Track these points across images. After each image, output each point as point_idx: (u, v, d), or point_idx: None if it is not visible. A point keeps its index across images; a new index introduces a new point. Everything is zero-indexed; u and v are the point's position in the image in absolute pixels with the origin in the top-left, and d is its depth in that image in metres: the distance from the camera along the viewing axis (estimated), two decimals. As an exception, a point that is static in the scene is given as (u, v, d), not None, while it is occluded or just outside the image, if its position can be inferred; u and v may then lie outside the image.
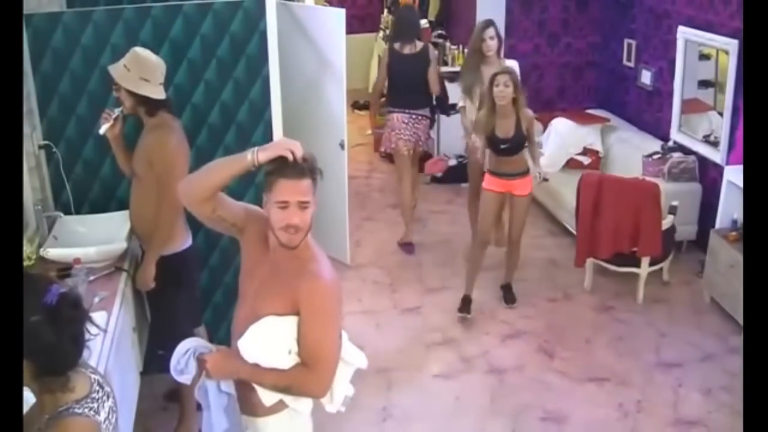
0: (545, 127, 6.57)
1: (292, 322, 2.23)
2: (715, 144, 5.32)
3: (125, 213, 3.51)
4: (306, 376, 2.23)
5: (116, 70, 3.19)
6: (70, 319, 1.68)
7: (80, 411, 1.68)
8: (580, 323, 4.75)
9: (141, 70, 3.18)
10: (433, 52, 5.71)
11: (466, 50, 5.99)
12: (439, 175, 6.96)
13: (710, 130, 5.45)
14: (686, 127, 5.75)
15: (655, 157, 5.57)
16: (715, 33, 5.19)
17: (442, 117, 6.86)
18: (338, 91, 5.08)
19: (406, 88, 5.54)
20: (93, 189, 3.81)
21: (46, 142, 3.65)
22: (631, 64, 6.56)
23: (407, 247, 5.75)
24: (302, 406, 2.36)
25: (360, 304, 4.96)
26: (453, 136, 6.35)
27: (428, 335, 4.64)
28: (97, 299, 3.00)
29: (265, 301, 2.26)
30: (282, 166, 2.18)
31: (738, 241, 4.48)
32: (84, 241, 3.39)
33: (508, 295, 4.98)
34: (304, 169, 2.19)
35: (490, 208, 4.72)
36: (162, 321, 3.52)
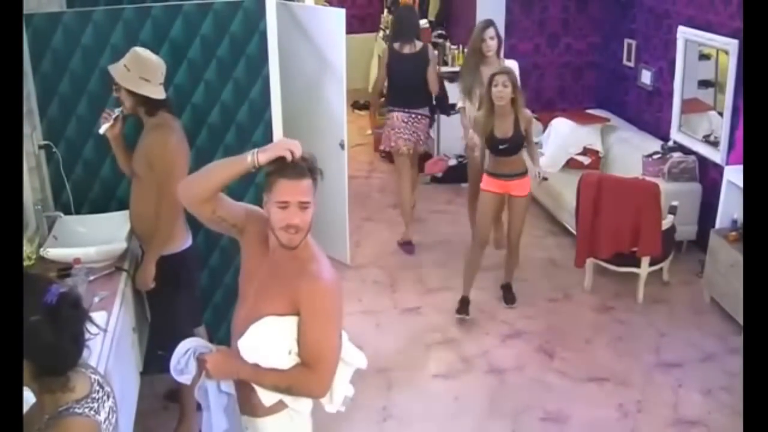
0: (545, 127, 6.58)
1: (292, 322, 2.23)
2: (715, 144, 5.32)
3: (125, 213, 3.51)
4: (306, 377, 2.23)
5: (116, 70, 3.19)
6: (70, 318, 1.68)
7: (80, 411, 1.68)
8: (580, 323, 4.75)
9: (141, 70, 3.18)
10: (433, 52, 5.72)
11: (465, 50, 5.99)
12: (439, 175, 6.96)
13: (710, 130, 5.45)
14: (686, 127, 5.75)
15: (655, 157, 5.57)
16: (715, 33, 5.19)
17: (443, 117, 6.87)
18: (338, 91, 5.08)
19: (406, 87, 5.55)
20: (93, 189, 3.81)
21: (46, 142, 3.65)
22: (631, 64, 6.56)
23: (407, 246, 5.75)
24: (302, 406, 2.36)
25: (360, 304, 4.96)
26: (453, 136, 6.36)
27: (428, 335, 4.64)
28: (97, 299, 3.00)
29: (265, 301, 2.26)
30: (282, 167, 2.18)
31: (738, 241, 4.48)
32: (84, 241, 3.39)
33: (508, 295, 4.98)
34: (305, 169, 2.19)
35: (488, 209, 4.71)
36: (162, 321, 3.52)
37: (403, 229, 5.80)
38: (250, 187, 3.71)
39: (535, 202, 6.38)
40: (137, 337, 3.40)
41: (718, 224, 4.75)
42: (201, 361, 2.33)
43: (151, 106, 3.23)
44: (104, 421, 1.73)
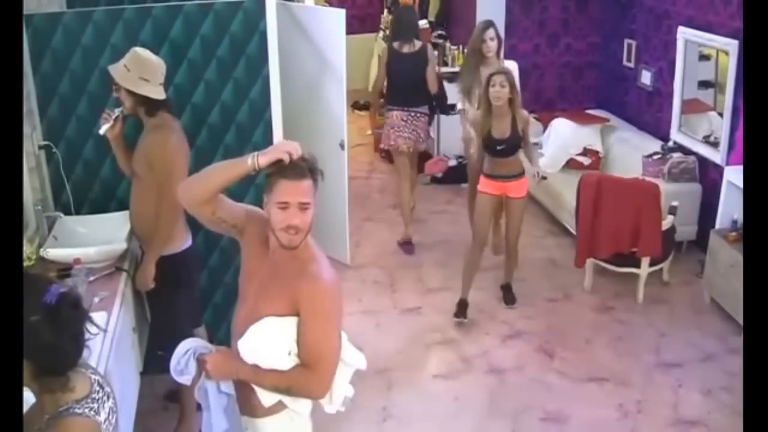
0: (545, 127, 6.58)
1: (291, 323, 2.23)
2: (715, 144, 5.32)
3: (125, 213, 3.50)
4: (306, 377, 2.23)
5: (116, 70, 3.19)
6: (70, 318, 1.68)
7: (80, 411, 1.68)
8: (580, 323, 4.75)
9: (141, 70, 3.17)
10: (432, 52, 5.74)
11: (465, 50, 5.99)
12: (439, 175, 6.96)
13: (710, 131, 5.45)
14: (686, 128, 5.75)
15: (655, 157, 5.57)
16: (715, 33, 5.19)
17: (443, 117, 6.89)
18: (338, 91, 5.08)
19: (405, 86, 5.58)
20: (93, 189, 3.81)
21: (46, 142, 3.65)
22: (631, 65, 6.56)
23: (407, 246, 5.75)
24: (301, 407, 2.36)
25: (360, 304, 4.96)
26: (453, 136, 6.36)
27: (428, 335, 4.64)
28: (97, 299, 3.00)
29: (265, 301, 2.26)
30: (282, 167, 2.18)
31: (738, 242, 4.48)
32: (84, 242, 3.39)
33: (507, 296, 4.98)
34: (305, 169, 2.19)
35: (485, 210, 4.69)
36: (162, 321, 3.52)
37: (402, 230, 5.80)
38: (250, 188, 3.71)
39: (535, 202, 6.39)
40: (137, 338, 3.40)
41: (718, 224, 4.75)
42: (201, 362, 2.33)
43: (151, 106, 3.23)
44: (104, 422, 1.73)
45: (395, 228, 5.99)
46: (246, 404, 2.35)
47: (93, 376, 1.78)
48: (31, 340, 1.60)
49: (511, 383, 4.17)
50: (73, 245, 3.33)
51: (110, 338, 2.77)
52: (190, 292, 3.57)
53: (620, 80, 6.81)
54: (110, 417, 1.76)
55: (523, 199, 4.68)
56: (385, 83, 5.79)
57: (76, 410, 1.68)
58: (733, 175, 4.61)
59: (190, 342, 2.42)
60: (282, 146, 2.22)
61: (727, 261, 4.53)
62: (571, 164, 6.20)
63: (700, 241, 5.31)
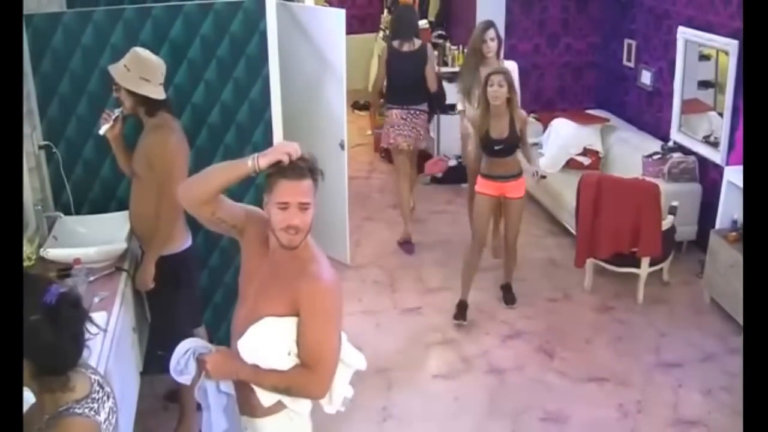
0: (545, 127, 6.58)
1: (291, 323, 2.23)
2: (715, 144, 5.32)
3: (125, 213, 3.51)
4: (305, 378, 2.23)
5: (116, 70, 3.19)
6: (70, 318, 1.68)
7: (80, 411, 1.68)
8: (580, 323, 4.75)
9: (141, 70, 3.18)
10: (431, 51, 5.78)
11: (465, 50, 6.00)
12: (439, 175, 6.96)
13: (710, 131, 5.45)
14: (686, 128, 5.75)
15: (655, 157, 5.57)
16: (715, 33, 5.19)
17: (443, 117, 6.90)
18: (338, 91, 5.08)
19: (405, 85, 5.60)
20: (93, 189, 3.81)
21: (46, 142, 3.65)
22: (631, 65, 6.56)
23: (407, 246, 5.75)
24: (301, 407, 2.36)
25: (360, 304, 4.96)
26: (453, 136, 6.36)
27: (428, 335, 4.64)
28: (97, 299, 3.01)
29: (265, 302, 2.26)
30: (283, 168, 2.18)
31: (738, 241, 4.48)
32: (84, 242, 3.39)
33: (507, 296, 4.97)
34: (305, 169, 2.19)
35: (483, 211, 4.68)
36: (162, 321, 3.52)
37: (402, 229, 5.80)
38: (250, 188, 3.71)
39: (535, 202, 6.39)
40: (137, 337, 3.40)
41: (718, 224, 4.75)
42: (201, 362, 2.33)
43: (151, 106, 3.23)
44: (104, 422, 1.73)
45: (395, 228, 5.99)
46: (246, 404, 2.35)
47: (93, 376, 1.78)
48: (31, 340, 1.60)
49: (511, 383, 4.17)
50: (73, 245, 3.33)
51: (110, 338, 2.77)
52: (190, 292, 3.57)
53: (620, 80, 6.81)
54: (110, 417, 1.77)
55: (521, 199, 4.66)
56: (385, 82, 5.80)
57: (76, 410, 1.68)
58: (733, 175, 4.61)
59: (190, 342, 2.42)
60: (282, 147, 2.22)
61: (727, 261, 4.53)
62: (571, 164, 6.20)
63: (700, 241, 5.31)
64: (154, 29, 3.64)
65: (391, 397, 4.05)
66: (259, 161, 2.18)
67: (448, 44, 7.47)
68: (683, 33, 5.60)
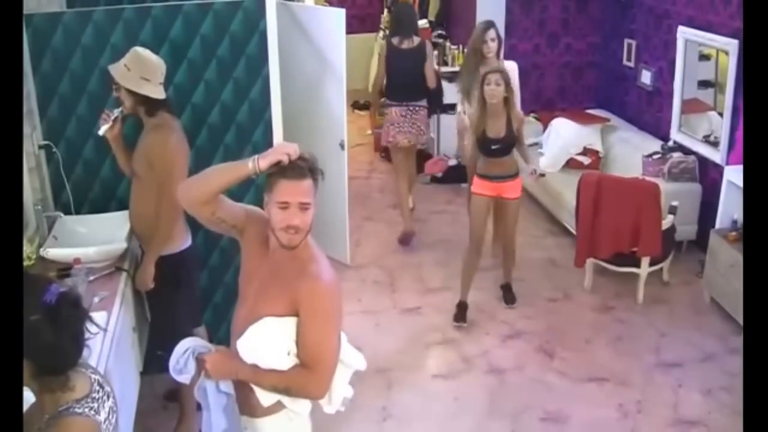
0: (545, 127, 6.59)
1: (291, 323, 2.23)
2: (715, 144, 5.32)
3: (125, 213, 3.51)
4: (305, 378, 2.23)
5: (117, 69, 3.19)
6: (70, 318, 1.68)
7: (80, 411, 1.68)
8: (580, 323, 4.75)
9: (141, 70, 3.18)
10: (430, 48, 5.83)
11: (465, 50, 6.01)
12: (439, 175, 6.96)
13: (710, 130, 5.45)
14: (686, 127, 5.75)
15: (655, 157, 5.57)
16: (715, 33, 5.19)
17: (443, 117, 6.90)
18: (338, 91, 5.08)
19: (404, 82, 5.65)
20: (93, 189, 3.81)
21: (46, 142, 3.65)
22: (631, 64, 6.56)
23: (407, 237, 5.76)
24: (300, 407, 2.36)
25: (360, 304, 4.97)
26: (453, 136, 6.36)
27: (428, 335, 4.64)
28: (97, 299, 3.01)
29: (265, 301, 2.26)
30: (283, 167, 2.19)
31: (738, 241, 4.48)
32: (84, 241, 3.39)
33: (507, 295, 4.97)
34: (305, 169, 2.19)
35: (480, 211, 4.66)
36: (162, 321, 3.52)
37: (402, 228, 5.81)
38: (250, 188, 3.71)
39: (535, 202, 6.39)
40: (137, 337, 3.40)
41: (718, 224, 4.75)
42: (200, 361, 2.33)
43: (151, 106, 3.23)
44: (104, 421, 1.73)
45: (395, 228, 5.99)
46: (245, 404, 2.35)
47: (93, 376, 1.78)
48: (31, 340, 1.60)
49: (511, 383, 4.17)
50: (73, 245, 3.33)
51: (110, 338, 2.77)
52: (190, 292, 3.57)
53: (620, 80, 6.81)
54: (110, 416, 1.77)
55: (518, 199, 4.65)
56: (384, 80, 5.83)
57: (76, 410, 1.68)
58: (733, 175, 4.61)
59: (190, 341, 2.42)
60: (281, 148, 2.22)
61: (727, 261, 4.53)
62: (571, 164, 6.20)
63: (700, 241, 5.31)
64: (154, 29, 3.64)
65: (391, 396, 4.05)
66: (259, 163, 2.19)
67: (448, 44, 7.47)
68: (683, 33, 5.60)
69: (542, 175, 4.87)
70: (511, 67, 5.14)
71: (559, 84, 7.31)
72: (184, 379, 2.38)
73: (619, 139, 6.22)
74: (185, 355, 2.36)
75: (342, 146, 5.16)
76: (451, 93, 5.91)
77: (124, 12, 3.62)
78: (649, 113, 6.35)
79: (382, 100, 6.09)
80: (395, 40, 5.66)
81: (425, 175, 6.84)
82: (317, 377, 2.23)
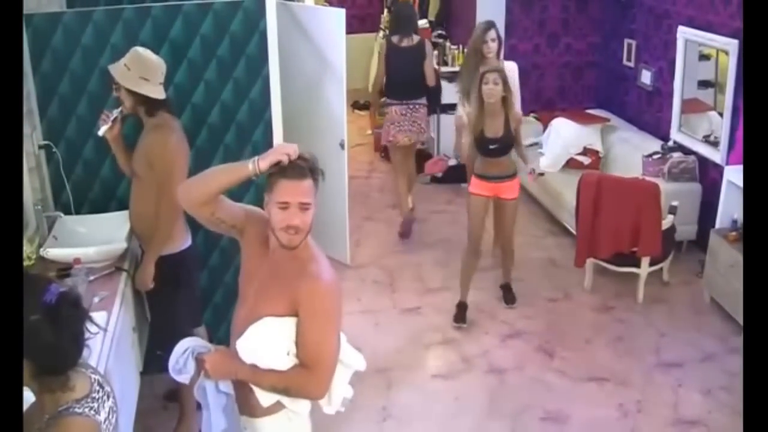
0: (545, 127, 6.58)
1: (290, 323, 2.23)
2: (715, 144, 5.32)
3: (125, 213, 3.51)
4: (304, 378, 2.23)
5: (117, 69, 3.20)
6: (70, 318, 1.68)
7: (80, 411, 1.68)
8: (580, 323, 4.75)
9: (141, 70, 3.18)
10: (430, 46, 5.87)
11: (465, 50, 6.02)
12: (439, 175, 6.95)
13: (710, 130, 5.45)
14: (686, 127, 5.75)
15: (655, 157, 5.57)
16: (715, 33, 5.19)
17: (443, 117, 6.90)
18: (338, 91, 5.08)
19: (404, 80, 5.69)
20: (93, 189, 3.81)
21: (46, 142, 3.65)
22: (631, 64, 6.56)
23: (406, 225, 5.79)
24: (300, 407, 2.36)
25: (360, 304, 4.96)
26: (453, 136, 6.36)
27: (428, 335, 4.64)
28: (97, 299, 3.01)
29: (265, 301, 2.26)
30: (283, 167, 2.19)
31: (738, 241, 4.48)
32: (84, 241, 3.39)
33: (507, 295, 4.97)
34: (306, 170, 2.20)
35: (478, 211, 4.63)
36: (161, 321, 3.52)
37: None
38: (250, 188, 3.70)
39: (535, 202, 6.39)
40: (137, 337, 3.40)
41: (718, 224, 4.75)
42: (200, 361, 2.33)
43: (151, 106, 3.23)
44: (104, 421, 1.73)
45: (395, 228, 5.99)
46: (245, 404, 2.35)
47: (93, 376, 1.78)
48: (31, 340, 1.60)
49: (511, 383, 4.17)
50: (73, 245, 3.33)
51: (110, 338, 2.77)
52: (189, 292, 3.57)
53: (620, 80, 6.81)
54: (110, 416, 1.77)
55: (516, 200, 4.64)
56: (384, 79, 5.86)
57: (76, 410, 1.68)
58: (733, 175, 4.61)
59: (189, 341, 2.42)
60: (281, 148, 2.23)
61: (727, 261, 4.53)
62: (571, 164, 6.20)
63: (700, 241, 5.31)
64: (154, 29, 3.64)
65: (391, 396, 4.05)
66: (259, 164, 2.19)
67: (448, 44, 7.47)
68: (683, 33, 5.60)
69: (541, 174, 4.86)
70: (511, 68, 5.13)
71: (559, 84, 7.31)
72: (183, 378, 2.38)
73: (619, 139, 6.22)
74: (185, 354, 2.36)
75: (342, 146, 5.16)
76: (450, 93, 5.91)
77: (124, 12, 3.62)
78: (649, 113, 6.35)
79: (382, 100, 6.11)
80: (395, 39, 5.70)
81: (425, 175, 6.84)
82: (317, 377, 2.23)
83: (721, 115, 5.25)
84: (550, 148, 6.33)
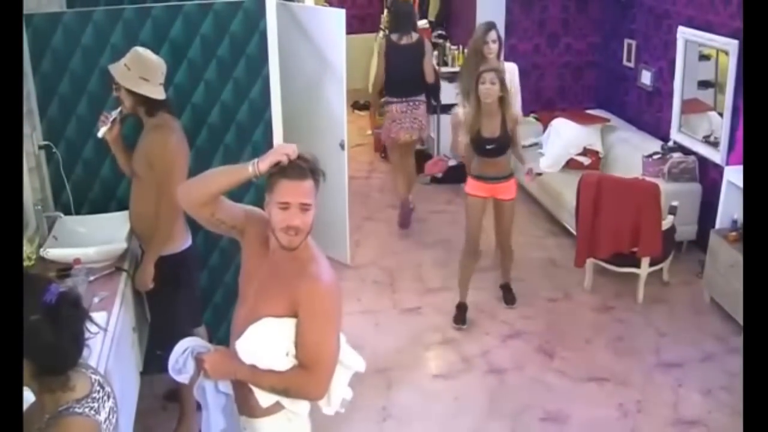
0: (545, 127, 6.59)
1: (290, 324, 2.23)
2: (715, 144, 5.32)
3: (125, 213, 3.51)
4: (304, 378, 2.23)
5: (117, 69, 3.20)
6: (70, 318, 1.68)
7: (80, 411, 1.68)
8: (580, 323, 4.75)
9: (141, 70, 3.18)
10: (429, 44, 5.93)
11: (466, 51, 6.02)
12: (439, 175, 6.95)
13: (710, 131, 5.45)
14: (686, 128, 5.75)
15: (655, 157, 5.57)
16: (715, 33, 5.19)
17: (443, 117, 6.90)
18: (338, 91, 5.08)
19: (404, 77, 5.75)
20: (93, 189, 3.81)
21: (46, 142, 3.65)
22: (631, 64, 6.56)
23: (404, 211, 5.87)
24: (299, 407, 2.36)
25: (360, 304, 4.96)
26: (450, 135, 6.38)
27: (428, 335, 4.64)
28: (97, 299, 3.01)
29: (265, 302, 2.26)
30: (284, 167, 2.19)
31: (738, 241, 4.48)
32: (84, 242, 3.39)
33: (507, 295, 4.97)
34: (306, 170, 2.19)
35: (476, 212, 4.62)
36: (161, 321, 3.52)
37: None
38: (250, 188, 3.70)
39: (535, 202, 6.39)
40: (137, 337, 3.40)
41: (718, 224, 4.75)
42: (199, 361, 2.33)
43: (151, 106, 3.23)
44: (104, 421, 1.73)
45: (395, 228, 5.99)
46: (244, 404, 2.35)
47: (93, 376, 1.78)
48: (31, 340, 1.60)
49: (511, 383, 4.17)
50: (73, 245, 3.33)
51: (110, 338, 2.77)
52: (189, 292, 3.57)
53: (620, 80, 6.81)
54: (110, 417, 1.77)
55: (513, 200, 4.62)
56: (384, 78, 5.89)
57: (77, 410, 1.68)
58: (733, 175, 4.61)
59: (189, 341, 2.42)
60: (280, 149, 2.23)
61: (727, 261, 4.53)
62: (571, 164, 6.20)
63: (700, 241, 5.31)
64: (154, 29, 3.64)
65: (391, 396, 4.05)
66: (258, 166, 2.19)
67: (448, 44, 7.47)
68: (683, 33, 5.60)
69: (539, 174, 4.85)
70: (512, 69, 5.13)
71: (559, 84, 7.31)
72: (183, 378, 2.38)
73: (619, 140, 6.22)
74: (184, 354, 2.37)
75: (342, 146, 5.16)
76: (450, 93, 5.93)
77: (124, 12, 3.62)
78: (649, 113, 6.35)
79: (382, 100, 6.12)
80: (394, 37, 5.77)
81: (425, 176, 6.84)
82: (316, 378, 2.23)
83: (721, 115, 5.25)
84: (550, 149, 6.33)
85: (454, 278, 4.90)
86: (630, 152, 5.91)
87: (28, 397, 1.73)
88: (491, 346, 4.52)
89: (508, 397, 4.03)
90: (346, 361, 2.39)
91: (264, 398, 2.30)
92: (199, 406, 2.74)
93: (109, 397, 1.78)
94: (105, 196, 3.81)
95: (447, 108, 6.54)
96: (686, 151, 5.58)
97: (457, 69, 6.47)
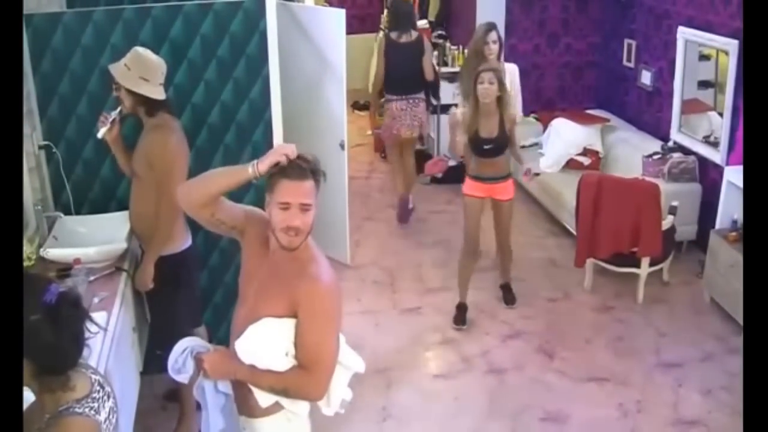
0: (545, 127, 6.59)
1: (290, 324, 2.23)
2: (715, 144, 5.32)
3: (125, 213, 3.51)
4: (303, 379, 2.23)
5: (117, 69, 3.20)
6: (70, 317, 1.68)
7: (81, 410, 1.68)
8: (580, 323, 4.75)
9: (141, 70, 3.18)
10: (428, 42, 6.00)
11: (466, 51, 6.03)
12: (439, 175, 6.94)
13: (710, 131, 5.45)
14: (686, 128, 5.75)
15: (655, 157, 5.57)
16: (715, 33, 5.19)
17: (443, 117, 6.90)
18: (338, 91, 5.08)
19: (403, 75, 5.80)
20: (93, 189, 3.81)
21: (46, 142, 3.65)
22: (631, 65, 6.56)
23: (403, 205, 5.89)
24: (299, 408, 2.36)
25: (359, 304, 4.96)
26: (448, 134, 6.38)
27: (428, 335, 4.64)
28: (97, 299, 3.01)
29: (265, 302, 2.26)
30: (284, 168, 2.19)
31: (738, 241, 4.48)
32: (84, 242, 3.39)
33: (507, 295, 4.97)
34: (307, 170, 2.20)
35: (474, 213, 4.61)
36: (161, 321, 3.52)
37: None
38: (250, 189, 3.71)
39: (535, 202, 6.39)
40: (137, 337, 3.40)
41: (718, 224, 4.75)
42: (199, 361, 2.33)
43: (151, 106, 3.23)
44: (104, 421, 1.73)
45: (395, 228, 5.99)
46: (244, 404, 2.35)
47: (93, 376, 1.78)
48: (31, 340, 1.60)
49: (510, 383, 4.17)
50: (73, 245, 3.33)
51: (110, 338, 2.77)
52: (189, 292, 3.57)
53: (620, 80, 6.81)
54: (110, 416, 1.77)
55: (511, 200, 4.61)
56: (383, 77, 5.93)
57: (77, 410, 1.68)
58: (733, 175, 4.61)
59: (188, 341, 2.42)
60: (279, 149, 2.23)
61: (727, 261, 4.53)
62: (571, 164, 6.20)
63: (700, 241, 5.31)
64: (154, 29, 3.64)
65: (391, 396, 4.05)
66: (258, 166, 2.20)
67: (448, 44, 7.46)
68: (683, 33, 5.60)
69: (537, 174, 4.85)
70: (512, 70, 5.13)
71: (559, 84, 7.31)
72: (182, 378, 2.38)
73: (619, 140, 6.22)
74: (184, 354, 2.37)
75: (342, 146, 5.16)
76: (450, 93, 5.95)
77: (124, 12, 3.62)
78: (649, 113, 6.35)
79: (382, 100, 6.13)
80: (394, 35, 5.82)
81: (425, 176, 6.83)
82: (315, 378, 2.23)
83: (721, 115, 5.25)
84: (550, 149, 6.33)
85: (454, 278, 4.90)
86: (630, 152, 5.91)
87: (28, 397, 1.73)
88: (491, 346, 4.52)
89: (508, 397, 4.03)
90: (345, 361, 2.39)
91: (263, 398, 2.30)
92: (198, 406, 2.74)
93: (109, 397, 1.78)
94: (105, 196, 3.82)
95: (447, 108, 6.54)
96: (686, 151, 5.58)
97: (457, 69, 6.47)
